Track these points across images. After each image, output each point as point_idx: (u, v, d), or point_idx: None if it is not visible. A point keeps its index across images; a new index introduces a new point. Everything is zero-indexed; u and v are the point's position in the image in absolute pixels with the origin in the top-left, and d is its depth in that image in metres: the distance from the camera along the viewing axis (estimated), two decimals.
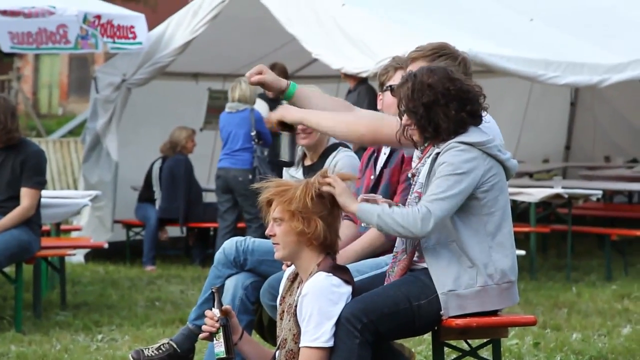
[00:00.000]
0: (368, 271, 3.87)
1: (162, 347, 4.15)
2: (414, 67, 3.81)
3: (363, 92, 8.36)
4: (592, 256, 9.57)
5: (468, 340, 3.78)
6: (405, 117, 3.63)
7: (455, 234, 3.55)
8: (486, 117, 3.67)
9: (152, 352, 4.12)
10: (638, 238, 8.85)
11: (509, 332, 3.82)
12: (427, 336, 3.79)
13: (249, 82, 3.86)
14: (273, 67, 8.90)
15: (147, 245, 9.12)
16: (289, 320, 3.51)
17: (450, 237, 3.56)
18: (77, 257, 8.86)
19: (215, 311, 3.50)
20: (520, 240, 8.20)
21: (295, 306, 3.48)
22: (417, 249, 3.62)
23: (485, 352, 3.96)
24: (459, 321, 3.54)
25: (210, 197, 10.09)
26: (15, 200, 6.00)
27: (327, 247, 3.51)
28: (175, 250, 10.02)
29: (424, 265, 3.60)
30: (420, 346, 5.34)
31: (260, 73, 3.83)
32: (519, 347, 5.45)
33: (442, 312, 3.53)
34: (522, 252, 7.38)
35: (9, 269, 6.32)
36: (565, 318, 6.46)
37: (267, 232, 3.54)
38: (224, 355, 3.49)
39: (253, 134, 8.39)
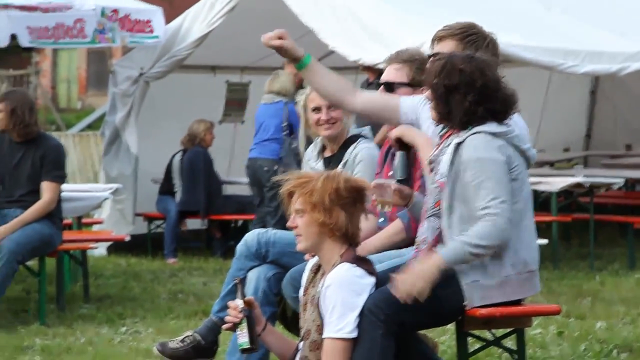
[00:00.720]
0: (386, 260, 3.86)
1: (186, 339, 4.16)
2: (442, 47, 3.79)
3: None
4: (615, 245, 9.52)
5: (492, 330, 3.77)
6: (428, 92, 3.63)
7: None
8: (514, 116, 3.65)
9: (177, 344, 4.14)
10: None
11: (532, 321, 3.80)
12: (451, 326, 3.78)
13: (267, 44, 3.72)
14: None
15: (168, 238, 9.15)
16: (313, 312, 3.51)
17: None
18: (99, 250, 8.89)
19: (239, 302, 3.50)
20: (542, 230, 8.14)
21: (318, 297, 3.48)
22: (440, 239, 3.61)
23: (509, 342, 3.95)
24: (483, 311, 3.53)
25: (231, 190, 10.12)
26: (35, 194, 6.03)
27: (349, 238, 3.51)
28: (197, 242, 10.05)
29: None
30: (443, 336, 5.33)
31: (280, 38, 3.75)
32: (543, 337, 5.43)
33: (465, 303, 3.52)
34: (545, 241, 7.36)
35: (32, 263, 6.36)
36: (589, 307, 6.44)
37: (288, 224, 3.54)
38: (248, 346, 3.49)
39: (284, 124, 8.38)
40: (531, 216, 3.62)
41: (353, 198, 3.49)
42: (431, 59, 3.71)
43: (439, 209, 3.56)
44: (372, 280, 3.49)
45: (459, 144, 3.55)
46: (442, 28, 3.88)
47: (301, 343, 3.55)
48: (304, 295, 3.62)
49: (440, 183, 3.57)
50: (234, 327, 3.52)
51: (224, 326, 3.55)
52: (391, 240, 4.00)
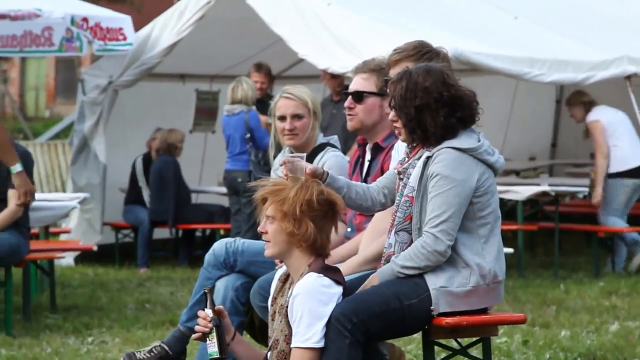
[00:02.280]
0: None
1: (153, 349, 4.16)
2: (397, 70, 3.79)
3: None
4: (580, 253, 9.62)
5: (458, 339, 3.80)
6: (392, 113, 3.64)
7: None
8: None
9: (144, 354, 4.13)
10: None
11: (498, 330, 3.84)
12: (417, 335, 3.80)
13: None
14: (259, 68, 8.88)
15: (142, 248, 9.10)
16: (281, 321, 3.52)
17: None
18: (66, 260, 8.84)
19: (208, 311, 3.50)
20: (508, 238, 8.23)
21: (287, 307, 3.49)
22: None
23: (475, 351, 3.98)
24: (449, 320, 3.55)
25: (201, 199, 10.11)
26: (2, 202, 5.99)
27: (317, 249, 3.51)
28: (164, 251, 10.02)
29: None
30: (410, 345, 5.36)
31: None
32: (508, 345, 5.47)
33: (432, 307, 3.54)
34: (510, 250, 7.42)
35: None
36: (553, 315, 6.50)
37: (259, 229, 3.54)
38: (218, 356, 3.48)
39: (247, 137, 8.37)
40: (499, 227, 3.66)
41: (325, 211, 3.49)
42: (389, 82, 3.67)
43: (409, 224, 3.58)
44: (339, 289, 3.50)
45: (428, 158, 3.57)
46: (394, 51, 3.88)
47: (269, 353, 3.56)
48: (272, 304, 3.63)
49: (410, 198, 3.59)
50: (204, 336, 3.51)
51: (194, 336, 3.55)
52: (359, 250, 4.01)
